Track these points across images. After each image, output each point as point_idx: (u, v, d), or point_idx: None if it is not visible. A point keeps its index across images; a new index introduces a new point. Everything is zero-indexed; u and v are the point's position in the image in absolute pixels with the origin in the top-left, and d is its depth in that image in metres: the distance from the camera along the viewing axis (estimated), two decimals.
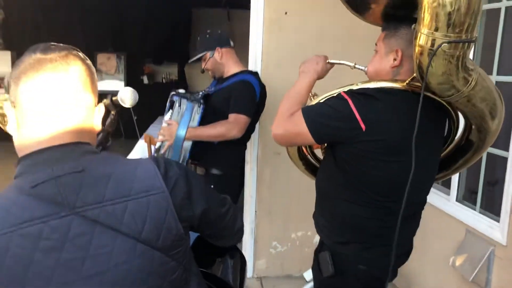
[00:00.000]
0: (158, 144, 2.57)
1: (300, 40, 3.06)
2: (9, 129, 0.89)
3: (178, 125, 2.42)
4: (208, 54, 2.59)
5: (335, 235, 1.61)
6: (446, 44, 1.22)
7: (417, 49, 1.29)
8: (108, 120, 1.48)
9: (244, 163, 3.08)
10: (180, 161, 2.47)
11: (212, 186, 2.37)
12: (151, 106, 6.15)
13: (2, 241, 0.77)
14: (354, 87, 1.45)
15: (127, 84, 7.55)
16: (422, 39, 1.26)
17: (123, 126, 6.59)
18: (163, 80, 8.48)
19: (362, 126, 1.38)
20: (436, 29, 1.22)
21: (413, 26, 1.32)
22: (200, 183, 1.00)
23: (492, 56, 2.36)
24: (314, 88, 1.71)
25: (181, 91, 2.56)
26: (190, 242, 1.00)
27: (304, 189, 2.96)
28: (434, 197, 2.74)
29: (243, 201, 3.29)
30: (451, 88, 1.33)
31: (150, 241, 0.86)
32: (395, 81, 1.45)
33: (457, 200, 2.63)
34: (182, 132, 2.39)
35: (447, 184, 2.71)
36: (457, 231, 2.53)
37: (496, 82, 2.34)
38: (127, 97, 1.39)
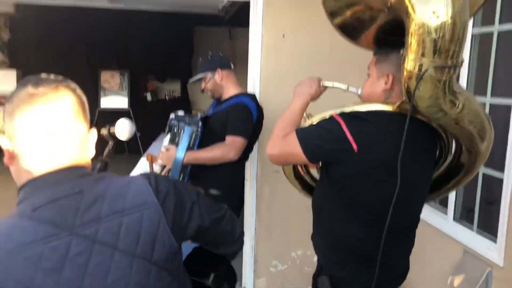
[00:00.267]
0: (158, 168, 2.64)
1: (298, 62, 3.12)
2: (6, 161, 0.92)
3: (177, 149, 2.49)
4: (209, 75, 2.65)
5: (331, 255, 1.63)
6: (432, 69, 1.26)
7: (405, 73, 1.33)
8: (106, 151, 1.53)
9: (243, 183, 3.10)
10: None
11: None
12: (154, 123, 6.20)
13: (5, 264, 0.80)
14: (346, 109, 1.49)
15: (131, 100, 7.64)
16: (410, 64, 1.30)
17: (127, 142, 6.66)
18: (166, 97, 8.54)
19: (354, 147, 1.41)
20: (423, 55, 1.26)
21: (401, 51, 1.36)
22: (190, 192, 1.03)
23: (485, 78, 2.39)
24: (309, 109, 1.74)
25: (180, 113, 2.61)
26: (186, 253, 1.03)
27: (303, 207, 2.95)
28: (431, 216, 2.74)
29: (243, 219, 3.31)
30: (439, 111, 1.36)
31: (145, 255, 0.89)
32: (387, 103, 1.48)
33: (454, 219, 2.63)
34: (180, 157, 2.46)
35: (444, 203, 2.72)
36: (455, 251, 2.53)
37: (490, 104, 2.37)
38: (123, 130, 1.44)
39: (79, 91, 0.97)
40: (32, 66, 7.41)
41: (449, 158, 1.67)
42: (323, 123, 1.51)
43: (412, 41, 1.27)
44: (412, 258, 1.70)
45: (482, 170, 2.39)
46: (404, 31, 1.33)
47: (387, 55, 1.51)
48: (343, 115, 1.47)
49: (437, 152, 1.65)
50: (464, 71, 2.48)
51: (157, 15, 6.01)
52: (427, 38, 1.23)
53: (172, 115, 2.61)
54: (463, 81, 2.50)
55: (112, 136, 1.48)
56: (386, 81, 1.49)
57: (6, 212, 0.88)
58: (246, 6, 3.21)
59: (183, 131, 2.54)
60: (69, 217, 0.85)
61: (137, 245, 0.88)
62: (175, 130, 2.58)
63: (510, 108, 2.17)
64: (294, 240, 3.31)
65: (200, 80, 2.72)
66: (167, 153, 2.53)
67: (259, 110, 2.66)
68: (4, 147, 0.91)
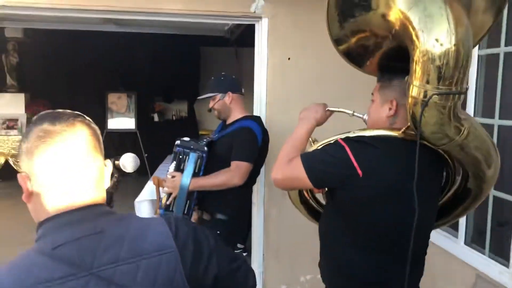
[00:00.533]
0: (164, 195, 2.65)
1: (303, 84, 3.13)
2: (25, 198, 0.92)
3: (182, 176, 2.49)
4: (219, 96, 2.66)
5: (336, 282, 1.61)
6: (437, 96, 1.25)
7: (410, 99, 1.32)
8: (111, 182, 1.53)
9: (251, 206, 3.08)
10: (186, 209, 2.54)
11: (218, 232, 2.40)
12: (161, 143, 6.22)
13: None
14: (351, 135, 1.49)
15: (138, 121, 7.68)
16: (415, 91, 1.30)
17: None
18: (173, 117, 8.58)
19: (359, 172, 1.40)
20: (427, 82, 1.26)
21: (406, 78, 1.35)
22: (210, 240, 1.01)
23: (493, 100, 2.37)
24: (314, 134, 1.74)
25: (186, 139, 2.61)
26: None
27: (312, 231, 2.92)
28: (442, 239, 2.70)
29: (250, 244, 3.27)
30: (444, 137, 1.35)
31: None
32: (391, 129, 1.48)
33: (465, 243, 2.58)
34: (185, 184, 2.48)
35: (455, 226, 2.67)
36: (467, 275, 2.47)
37: (499, 126, 2.34)
38: (128, 164, 1.44)
39: (93, 125, 0.97)
40: (40, 89, 7.51)
41: (456, 184, 1.65)
42: (328, 148, 1.51)
43: (417, 68, 1.27)
44: (424, 282, 1.66)
45: (493, 192, 2.35)
46: (407, 57, 1.33)
47: (391, 81, 1.51)
48: (348, 140, 1.46)
49: (443, 178, 1.63)
50: (471, 93, 2.47)
51: (163, 36, 6.08)
52: (431, 65, 1.23)
53: (177, 142, 2.62)
54: (470, 103, 2.48)
55: (117, 168, 1.48)
56: (390, 107, 1.49)
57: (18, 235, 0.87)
58: (252, 26, 3.24)
59: (188, 157, 2.55)
60: (88, 257, 0.85)
61: None
62: (180, 157, 2.59)
63: None
64: (303, 264, 3.26)
65: (209, 97, 2.74)
66: (173, 180, 2.54)
67: (264, 133, 2.66)
68: (22, 185, 0.90)
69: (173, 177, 2.55)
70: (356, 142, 1.44)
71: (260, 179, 3.08)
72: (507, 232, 2.29)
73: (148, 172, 6.37)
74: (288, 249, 3.28)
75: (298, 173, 1.48)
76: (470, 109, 2.47)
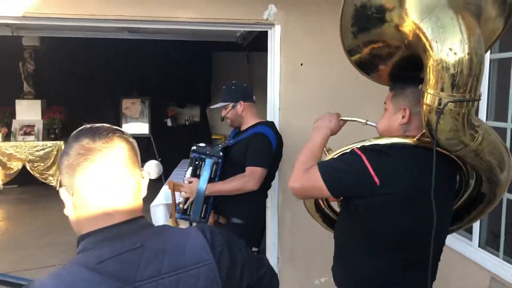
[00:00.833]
0: (181, 199, 2.72)
1: (316, 90, 3.17)
2: (67, 212, 0.96)
3: (199, 181, 2.56)
4: (231, 105, 2.71)
5: (350, 287, 1.63)
6: (451, 103, 1.28)
7: (424, 107, 1.35)
8: None
9: (265, 211, 3.12)
10: (203, 213, 2.61)
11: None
12: (174, 148, 6.29)
13: None
14: (367, 143, 1.52)
15: (152, 126, 7.77)
16: (429, 99, 1.33)
17: None
18: (186, 122, 8.65)
19: (376, 180, 1.42)
20: (442, 90, 1.29)
21: (420, 86, 1.38)
22: (242, 250, 1.05)
23: (506, 103, 2.39)
24: (328, 143, 1.77)
25: (202, 145, 2.67)
26: None
27: (326, 234, 2.96)
28: (457, 242, 2.71)
29: (265, 248, 3.31)
30: (459, 144, 1.38)
31: None
32: (406, 137, 1.50)
33: (479, 246, 2.59)
34: (202, 189, 2.55)
35: (469, 230, 2.68)
36: (482, 278, 2.49)
37: None
38: (152, 170, 1.48)
39: (130, 138, 1.00)
40: (56, 96, 7.64)
41: (469, 189, 1.67)
42: (344, 157, 1.53)
43: (431, 77, 1.30)
44: (438, 285, 1.68)
45: (506, 195, 2.37)
46: (419, 67, 1.37)
47: (403, 90, 1.53)
48: (363, 149, 1.49)
49: (457, 183, 1.65)
50: (483, 97, 2.48)
51: (175, 42, 6.16)
52: (445, 74, 1.26)
53: (193, 147, 2.68)
54: (482, 107, 2.49)
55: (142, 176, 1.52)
56: (403, 115, 1.51)
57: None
58: (264, 31, 3.28)
59: (204, 163, 2.61)
60: (131, 271, 0.88)
61: None
62: (197, 163, 2.64)
63: None
64: (318, 268, 3.29)
65: (221, 106, 2.78)
66: (190, 185, 2.61)
67: (278, 138, 2.70)
68: (65, 199, 0.94)
69: (190, 182, 2.62)
70: (372, 151, 1.47)
71: (274, 183, 3.11)
72: None
73: (162, 176, 6.44)
74: (302, 252, 3.31)
75: (316, 182, 1.51)
76: (482, 113, 2.49)
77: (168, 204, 3.97)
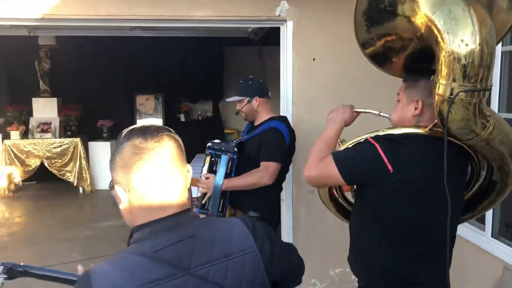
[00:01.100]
0: (198, 194, 2.80)
1: (329, 84, 3.20)
2: (122, 207, 1.02)
3: (215, 177, 2.64)
4: (247, 99, 2.77)
5: (367, 276, 1.68)
6: (463, 93, 1.32)
7: (436, 97, 1.40)
8: None
9: (280, 203, 3.17)
10: (220, 207, 2.69)
11: None
12: (188, 143, 6.31)
13: None
14: (380, 133, 1.56)
15: (165, 121, 7.87)
16: (441, 89, 1.37)
17: None
18: (199, 117, 8.73)
19: (390, 168, 1.47)
20: (454, 80, 1.33)
21: (432, 77, 1.42)
22: (278, 240, 1.13)
23: None
24: (342, 134, 1.82)
25: (217, 141, 2.74)
26: None
27: (340, 225, 3.00)
28: (469, 233, 2.74)
29: (280, 239, 3.37)
30: (470, 133, 1.42)
31: None
32: (418, 127, 1.55)
33: (492, 236, 2.62)
34: (219, 184, 2.63)
35: (481, 220, 2.70)
36: (495, 267, 2.51)
37: None
38: None
39: (177, 136, 1.06)
40: (71, 93, 7.76)
41: (481, 179, 1.70)
42: (358, 146, 1.59)
43: (443, 67, 1.34)
44: (451, 275, 1.72)
45: None
46: (431, 58, 1.41)
47: (416, 82, 1.57)
48: (377, 138, 1.53)
49: (468, 174, 1.69)
50: (495, 88, 2.50)
51: (187, 38, 6.22)
52: (457, 64, 1.30)
53: (209, 144, 2.75)
54: (494, 99, 2.51)
55: None
56: (416, 106, 1.56)
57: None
58: (276, 26, 3.32)
59: (220, 159, 2.68)
60: (185, 259, 0.95)
61: (240, 285, 0.99)
62: (213, 159, 2.72)
63: None
64: (332, 259, 3.34)
65: (236, 100, 2.84)
66: (207, 181, 2.68)
67: (291, 132, 2.75)
68: (120, 195, 1.00)
69: (207, 178, 2.69)
70: (385, 140, 1.51)
71: (288, 176, 3.16)
72: None
73: None
74: (317, 244, 3.36)
75: (331, 171, 1.56)
76: (494, 104, 2.51)
77: None
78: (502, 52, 2.48)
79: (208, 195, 2.69)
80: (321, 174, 1.62)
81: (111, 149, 7.32)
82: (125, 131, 1.03)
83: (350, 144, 1.67)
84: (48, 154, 7.10)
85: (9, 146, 7.00)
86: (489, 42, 1.28)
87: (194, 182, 3.26)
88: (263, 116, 2.79)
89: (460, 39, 1.28)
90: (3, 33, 5.05)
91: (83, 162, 7.15)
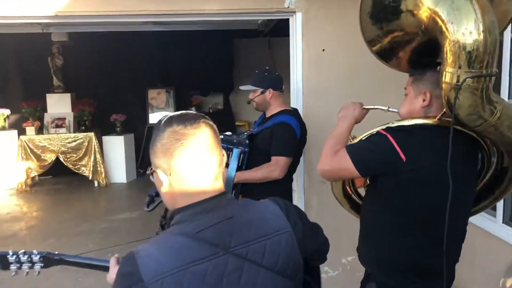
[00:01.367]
0: None
1: (338, 75, 3.22)
2: (163, 190, 1.06)
3: (227, 170, 2.67)
4: (260, 90, 2.80)
5: (378, 265, 1.71)
6: (469, 79, 1.35)
7: (444, 86, 1.43)
8: None
9: (291, 194, 3.22)
10: None
11: None
12: None
13: (177, 277, 0.94)
14: (391, 125, 1.60)
15: None
16: (447, 77, 1.40)
17: None
18: (210, 110, 8.76)
19: (403, 157, 1.50)
20: (459, 67, 1.36)
21: (438, 67, 1.45)
22: (307, 219, 1.18)
23: None
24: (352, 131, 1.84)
25: (228, 133, 2.78)
26: None
27: (352, 215, 3.06)
28: (481, 219, 2.75)
29: None
30: (479, 119, 1.45)
31: (282, 272, 1.05)
32: (427, 117, 1.58)
33: (503, 222, 2.63)
34: (230, 177, 2.66)
35: (493, 206, 2.72)
36: (506, 253, 2.54)
37: None
38: None
39: (212, 123, 1.11)
40: (84, 89, 7.87)
41: (493, 166, 1.72)
42: (371, 138, 1.62)
43: (448, 56, 1.37)
44: (463, 261, 1.75)
45: None
46: (436, 52, 1.45)
47: (422, 75, 1.60)
48: (389, 129, 1.57)
49: (479, 164, 1.71)
50: (505, 76, 2.51)
51: (197, 32, 6.26)
52: (462, 52, 1.34)
53: (220, 137, 2.78)
54: (505, 86, 2.52)
55: None
56: (424, 98, 1.59)
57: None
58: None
59: (232, 153, 2.72)
60: (225, 239, 1.00)
61: (277, 263, 1.04)
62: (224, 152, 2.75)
63: None
64: (344, 247, 3.36)
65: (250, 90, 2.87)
66: None
67: (302, 125, 2.79)
68: (162, 178, 1.04)
69: None
70: (397, 130, 1.55)
71: (300, 167, 3.20)
72: None
73: None
74: (329, 233, 3.31)
75: (345, 163, 1.59)
76: (504, 92, 2.52)
77: None
78: (511, 39, 2.48)
79: None
80: (335, 167, 1.65)
81: (124, 143, 7.42)
82: (164, 118, 1.07)
83: (362, 137, 1.69)
84: (63, 149, 7.23)
85: (25, 141, 7.13)
86: (492, 29, 1.31)
87: None
88: (275, 108, 2.81)
89: (464, 27, 1.31)
90: (17, 30, 5.15)
91: (98, 156, 7.26)
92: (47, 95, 7.55)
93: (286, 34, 3.35)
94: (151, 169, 1.08)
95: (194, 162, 1.03)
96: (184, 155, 1.02)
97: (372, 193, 1.73)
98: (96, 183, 7.34)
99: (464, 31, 1.31)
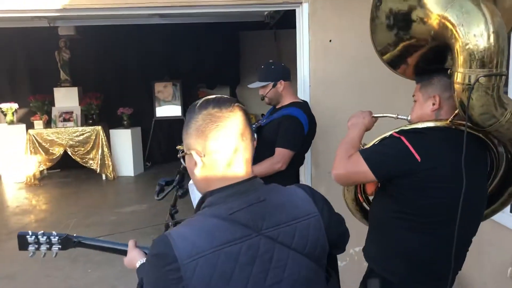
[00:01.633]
0: None
1: (345, 66, 3.21)
2: (196, 171, 1.08)
3: None
4: (271, 84, 2.79)
5: (383, 262, 1.73)
6: (482, 78, 1.38)
7: (456, 86, 1.45)
8: (182, 165, 1.68)
9: None
10: None
11: None
12: None
13: (211, 258, 0.96)
14: (404, 128, 1.61)
15: (184, 108, 7.96)
16: (459, 77, 1.43)
17: None
18: None
19: (418, 157, 1.52)
20: (470, 67, 1.39)
21: (449, 70, 1.48)
22: (332, 208, 1.20)
23: None
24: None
25: None
26: None
27: None
28: None
29: None
30: (491, 118, 1.46)
31: (310, 255, 1.08)
32: (439, 120, 1.59)
33: (511, 211, 2.63)
34: None
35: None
36: None
37: None
38: None
39: (244, 107, 1.12)
40: (91, 82, 7.91)
41: (503, 166, 1.74)
42: (384, 141, 1.63)
43: (460, 57, 1.40)
44: (470, 250, 1.75)
45: None
46: (443, 57, 1.50)
47: (430, 80, 1.62)
48: (402, 131, 1.58)
49: (489, 165, 1.72)
50: None
51: (203, 25, 6.26)
52: (473, 53, 1.37)
53: None
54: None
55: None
56: (434, 102, 1.60)
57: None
58: (292, 9, 3.33)
59: None
60: (258, 221, 1.03)
61: (305, 247, 1.07)
62: None
63: None
64: (352, 238, 3.31)
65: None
66: None
67: (311, 119, 2.79)
68: (196, 159, 1.06)
69: None
70: (410, 133, 1.57)
71: (307, 159, 3.21)
72: None
73: None
74: None
75: (360, 167, 1.60)
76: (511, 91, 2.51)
77: None
78: None
79: None
80: (350, 171, 1.65)
81: (131, 136, 7.47)
82: (199, 101, 1.09)
83: (374, 142, 1.70)
84: (71, 142, 7.28)
85: (33, 135, 7.20)
86: (500, 31, 1.35)
87: None
88: (286, 99, 2.81)
89: (474, 29, 1.35)
90: (24, 24, 5.17)
91: (105, 149, 7.32)
92: (55, 89, 7.61)
93: (292, 27, 3.34)
94: (183, 151, 1.10)
95: (228, 145, 1.05)
96: (219, 137, 1.04)
97: (383, 190, 1.74)
98: (103, 176, 7.41)
99: (475, 32, 1.35)
